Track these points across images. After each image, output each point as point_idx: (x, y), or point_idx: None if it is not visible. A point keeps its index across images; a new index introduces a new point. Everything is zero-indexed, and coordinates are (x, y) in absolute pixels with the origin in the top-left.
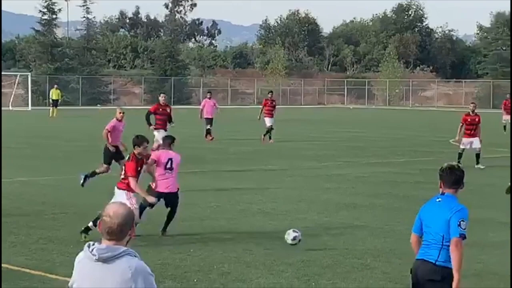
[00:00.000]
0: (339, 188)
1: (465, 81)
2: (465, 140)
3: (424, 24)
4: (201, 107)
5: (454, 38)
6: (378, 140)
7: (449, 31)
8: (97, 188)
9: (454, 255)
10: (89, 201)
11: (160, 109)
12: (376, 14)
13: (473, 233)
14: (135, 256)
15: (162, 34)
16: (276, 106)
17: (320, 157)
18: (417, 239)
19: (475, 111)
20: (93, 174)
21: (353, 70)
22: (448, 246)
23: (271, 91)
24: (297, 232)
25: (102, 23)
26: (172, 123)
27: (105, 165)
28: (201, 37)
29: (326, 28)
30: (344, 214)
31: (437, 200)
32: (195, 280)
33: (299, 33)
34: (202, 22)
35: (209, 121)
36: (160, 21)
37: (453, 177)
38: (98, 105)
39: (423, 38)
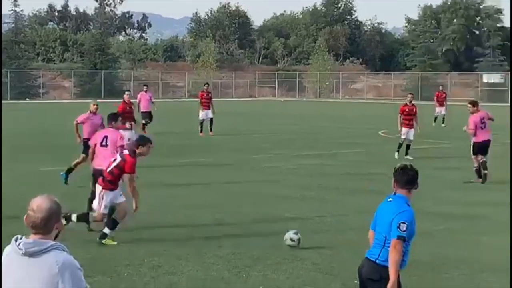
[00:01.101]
0: (270, 180)
1: (394, 74)
2: (404, 130)
3: (353, 17)
4: (137, 100)
5: (383, 31)
6: (308, 132)
7: (378, 24)
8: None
9: (390, 257)
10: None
11: (127, 108)
12: (306, 7)
13: None
14: (63, 251)
15: (91, 27)
16: (212, 98)
17: (251, 150)
18: (373, 235)
19: (412, 101)
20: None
21: (283, 63)
22: (389, 247)
23: (207, 83)
24: (296, 236)
25: (30, 16)
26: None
27: (82, 155)
28: (132, 30)
29: (257, 21)
30: (275, 206)
31: (389, 200)
32: (125, 274)
33: (229, 26)
34: (132, 15)
35: (146, 115)
36: (90, 14)
37: (405, 177)
38: (27, 99)
39: (353, 31)
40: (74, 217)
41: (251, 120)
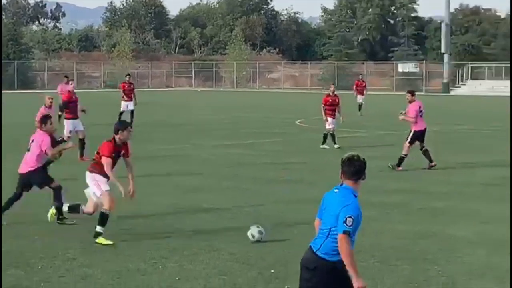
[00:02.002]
0: (187, 170)
1: (310, 63)
2: (330, 120)
3: (269, 6)
4: (58, 91)
5: (299, 20)
6: (225, 122)
7: (294, 13)
8: None
9: (341, 252)
10: None
11: (73, 97)
12: None
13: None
14: None
15: (4, 17)
16: (135, 89)
17: (168, 140)
18: (318, 223)
19: (335, 92)
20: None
21: (200, 53)
22: (333, 240)
23: (129, 74)
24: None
25: None
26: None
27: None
28: (45, 20)
29: (173, 10)
30: (192, 197)
31: (335, 190)
32: (39, 267)
33: (145, 16)
34: (45, 4)
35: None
36: (2, 3)
37: (352, 168)
38: None
39: (269, 20)
40: (99, 228)
41: (168, 110)
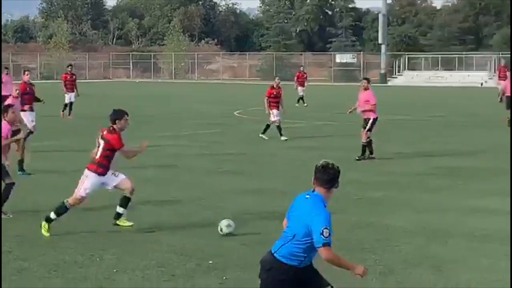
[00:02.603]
0: (126, 162)
1: (249, 54)
2: (275, 112)
3: None
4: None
5: (238, 11)
6: (164, 113)
7: (233, 4)
8: None
9: (332, 263)
10: None
11: (28, 88)
12: None
13: (258, 204)
14: None
15: None
16: (77, 80)
17: None
18: (286, 224)
19: (279, 84)
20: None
21: (138, 44)
22: (294, 245)
23: (70, 65)
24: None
25: None
26: (42, 101)
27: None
28: None
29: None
30: None
31: (306, 196)
32: None
33: (82, 6)
34: None
35: (6, 98)
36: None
37: (326, 176)
38: None
39: (207, 11)
40: (52, 214)
41: (106, 102)
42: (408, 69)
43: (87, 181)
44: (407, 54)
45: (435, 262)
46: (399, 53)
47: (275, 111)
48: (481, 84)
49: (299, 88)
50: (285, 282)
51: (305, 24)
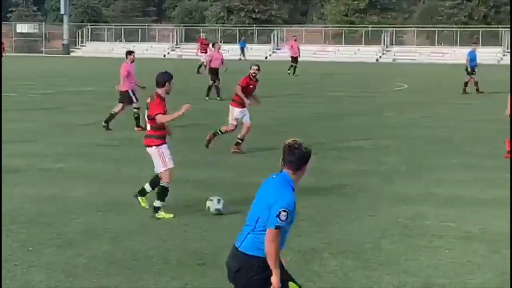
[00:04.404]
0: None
1: None
2: None
3: None
4: None
5: None
6: None
7: None
8: None
9: (268, 248)
10: None
11: None
12: None
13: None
14: None
15: None
16: None
17: None
18: None
19: None
20: None
21: None
22: (260, 231)
23: None
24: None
25: None
26: None
27: None
28: None
29: None
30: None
31: (273, 176)
32: None
33: None
34: None
35: None
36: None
37: (291, 156)
38: None
39: None
40: (147, 187)
41: None
42: (92, 40)
43: (168, 160)
44: (90, 25)
45: (113, 234)
46: (82, 24)
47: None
48: (164, 55)
49: None
50: (259, 281)
51: None
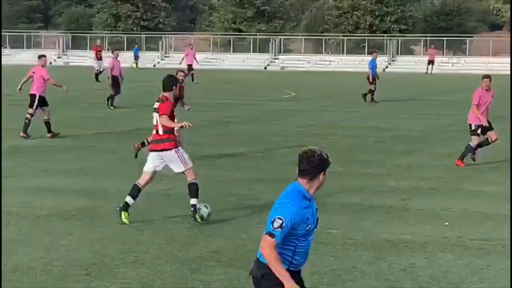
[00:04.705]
0: None
1: None
2: None
3: None
4: None
5: None
6: None
7: None
8: None
9: (264, 255)
10: None
11: None
12: None
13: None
14: None
15: None
16: None
17: None
18: None
19: None
20: None
21: None
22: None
23: None
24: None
25: None
26: None
27: None
28: None
29: None
30: None
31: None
32: None
33: None
34: None
35: None
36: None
37: (302, 166)
38: None
39: None
40: (129, 199)
41: None
42: None
43: (183, 152)
44: None
45: None
46: None
47: None
48: (51, 62)
49: None
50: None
51: None
